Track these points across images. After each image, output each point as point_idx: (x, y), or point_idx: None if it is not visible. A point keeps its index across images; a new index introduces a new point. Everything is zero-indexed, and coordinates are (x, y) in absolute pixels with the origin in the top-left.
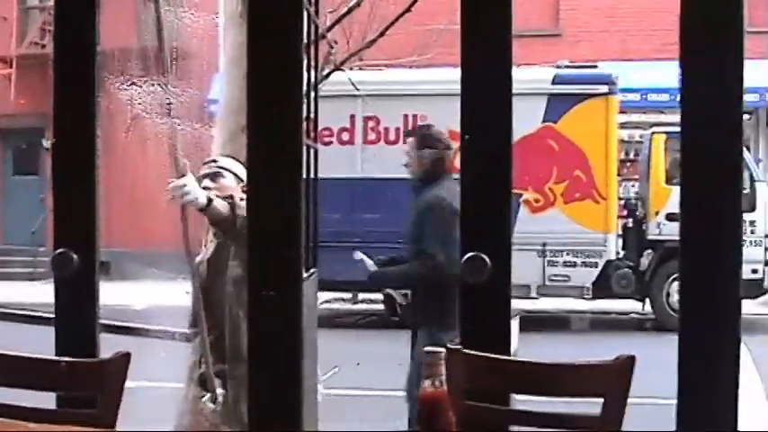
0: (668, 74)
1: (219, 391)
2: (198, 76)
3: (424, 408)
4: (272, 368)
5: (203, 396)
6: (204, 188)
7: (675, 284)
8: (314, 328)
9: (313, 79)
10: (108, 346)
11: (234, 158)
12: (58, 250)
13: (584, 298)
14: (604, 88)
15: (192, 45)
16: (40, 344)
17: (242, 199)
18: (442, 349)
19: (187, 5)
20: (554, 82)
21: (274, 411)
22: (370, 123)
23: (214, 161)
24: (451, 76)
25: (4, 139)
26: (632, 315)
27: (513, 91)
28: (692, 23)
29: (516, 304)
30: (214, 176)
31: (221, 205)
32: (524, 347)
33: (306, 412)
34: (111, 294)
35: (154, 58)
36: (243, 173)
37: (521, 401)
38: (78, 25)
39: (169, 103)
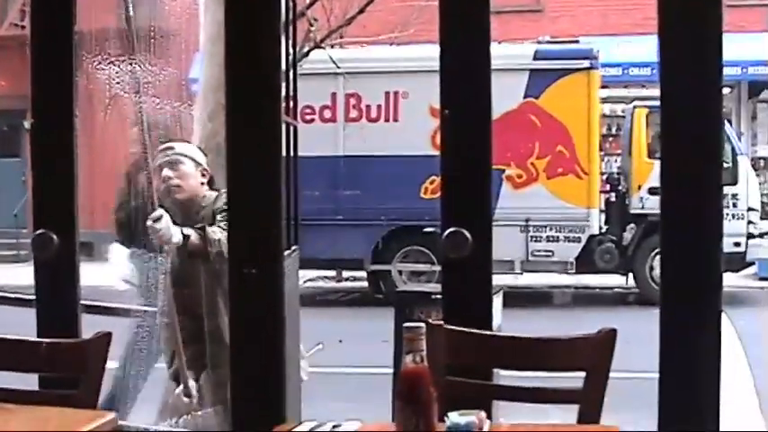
0: (649, 48)
1: (192, 383)
2: (178, 54)
3: (404, 383)
4: (254, 345)
5: (176, 390)
6: (164, 177)
7: (659, 258)
8: (296, 305)
9: (292, 57)
10: (92, 326)
11: (188, 142)
12: (38, 231)
13: (567, 273)
14: (586, 63)
15: (173, 23)
16: (24, 325)
17: (202, 183)
18: (422, 324)
19: None
20: (535, 57)
21: (257, 388)
22: (352, 101)
23: (170, 148)
24: (432, 53)
25: None
26: (616, 289)
27: (494, 67)
28: None
29: (500, 280)
30: (173, 164)
31: (196, 238)
32: (508, 322)
33: (289, 390)
34: (95, 275)
35: (125, 38)
36: (201, 157)
37: (503, 376)
38: (55, 6)
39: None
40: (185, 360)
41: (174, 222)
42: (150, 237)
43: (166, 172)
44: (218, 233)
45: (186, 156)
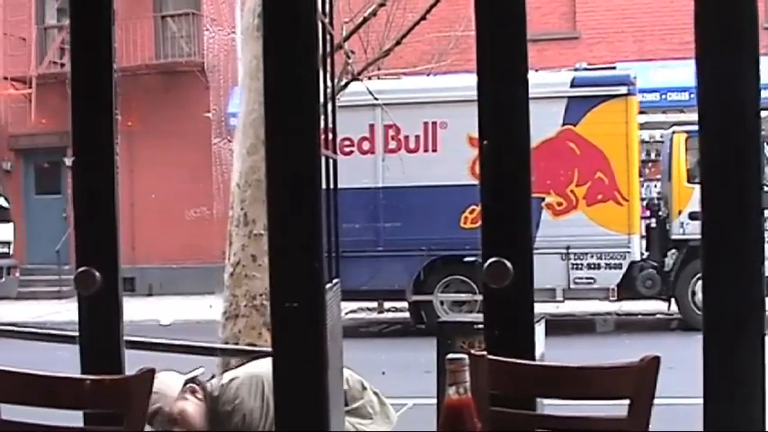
0: (687, 73)
1: None
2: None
3: (448, 415)
4: (296, 380)
5: None
6: None
7: (700, 283)
8: (339, 338)
9: (330, 90)
10: (135, 362)
11: (164, 376)
12: (81, 269)
13: (609, 300)
14: (623, 89)
15: (211, 59)
16: (68, 363)
17: (198, 398)
18: (465, 356)
19: (206, 21)
20: (573, 85)
21: (301, 422)
22: (390, 132)
23: (156, 413)
24: (469, 82)
25: (25, 158)
26: (658, 315)
27: (532, 95)
28: (707, 21)
29: (541, 308)
30: (173, 422)
31: None
32: (551, 351)
33: (333, 424)
34: (137, 310)
35: None
36: (178, 380)
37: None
38: (94, 43)
39: None
40: None
41: None
42: None
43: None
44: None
45: (172, 401)
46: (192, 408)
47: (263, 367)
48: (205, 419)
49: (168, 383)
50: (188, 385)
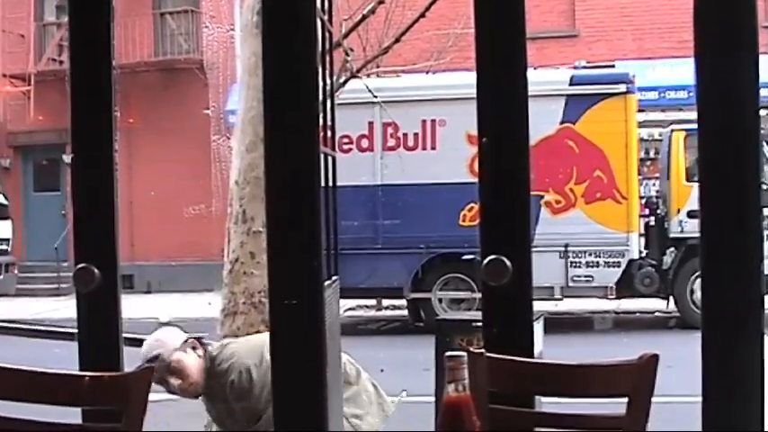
0: (686, 71)
1: None
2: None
3: (447, 413)
4: (295, 377)
5: None
6: (174, 388)
7: (699, 282)
8: (337, 335)
9: (329, 87)
10: (134, 359)
11: (166, 327)
12: (80, 266)
13: (607, 298)
14: (622, 87)
15: (210, 56)
16: (67, 359)
17: (199, 356)
18: (464, 353)
19: (204, 18)
20: (572, 83)
21: (299, 419)
22: (389, 130)
23: (156, 358)
24: (468, 80)
25: (24, 156)
26: (656, 314)
27: (531, 93)
28: (706, 19)
29: (540, 306)
30: (171, 371)
31: None
32: (549, 349)
33: (331, 421)
34: (135, 307)
35: None
36: (179, 337)
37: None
38: (94, 40)
39: None
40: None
41: None
42: None
43: (173, 381)
44: None
45: (173, 352)
46: (190, 360)
47: (261, 336)
48: (201, 375)
49: (170, 335)
50: (189, 340)
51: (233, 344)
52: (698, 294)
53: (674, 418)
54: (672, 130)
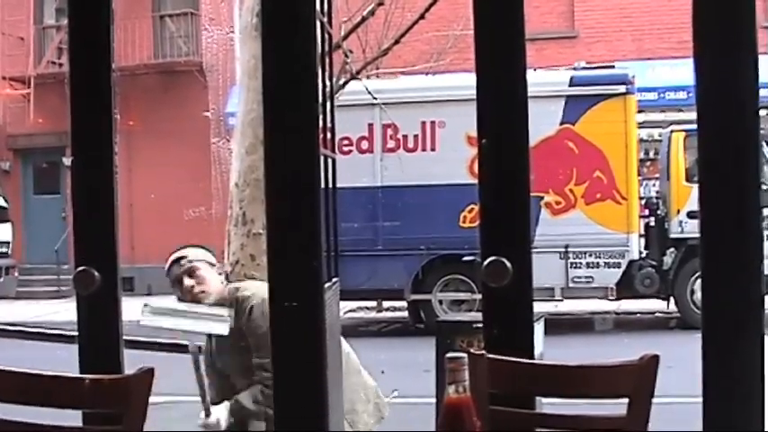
0: (685, 71)
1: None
2: (215, 89)
3: (448, 414)
4: (296, 379)
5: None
6: (187, 288)
7: (699, 282)
8: (337, 337)
9: (329, 89)
10: (134, 361)
11: (198, 246)
12: (80, 268)
13: (608, 299)
14: (622, 88)
15: (209, 59)
16: (67, 362)
17: (222, 282)
18: (465, 355)
19: (204, 21)
20: (571, 84)
21: (299, 421)
22: (389, 131)
23: (183, 257)
24: (468, 82)
25: (24, 158)
26: (657, 314)
27: (531, 94)
28: (706, 20)
29: (540, 307)
30: (191, 273)
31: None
32: (549, 350)
33: (331, 421)
34: (136, 310)
35: None
36: (211, 257)
37: (546, 404)
38: (93, 43)
39: None
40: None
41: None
42: None
43: (187, 282)
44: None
45: (200, 260)
46: (212, 274)
47: None
48: (217, 290)
49: (205, 252)
50: (218, 266)
51: (257, 281)
52: (698, 295)
53: (675, 418)
54: (671, 131)
